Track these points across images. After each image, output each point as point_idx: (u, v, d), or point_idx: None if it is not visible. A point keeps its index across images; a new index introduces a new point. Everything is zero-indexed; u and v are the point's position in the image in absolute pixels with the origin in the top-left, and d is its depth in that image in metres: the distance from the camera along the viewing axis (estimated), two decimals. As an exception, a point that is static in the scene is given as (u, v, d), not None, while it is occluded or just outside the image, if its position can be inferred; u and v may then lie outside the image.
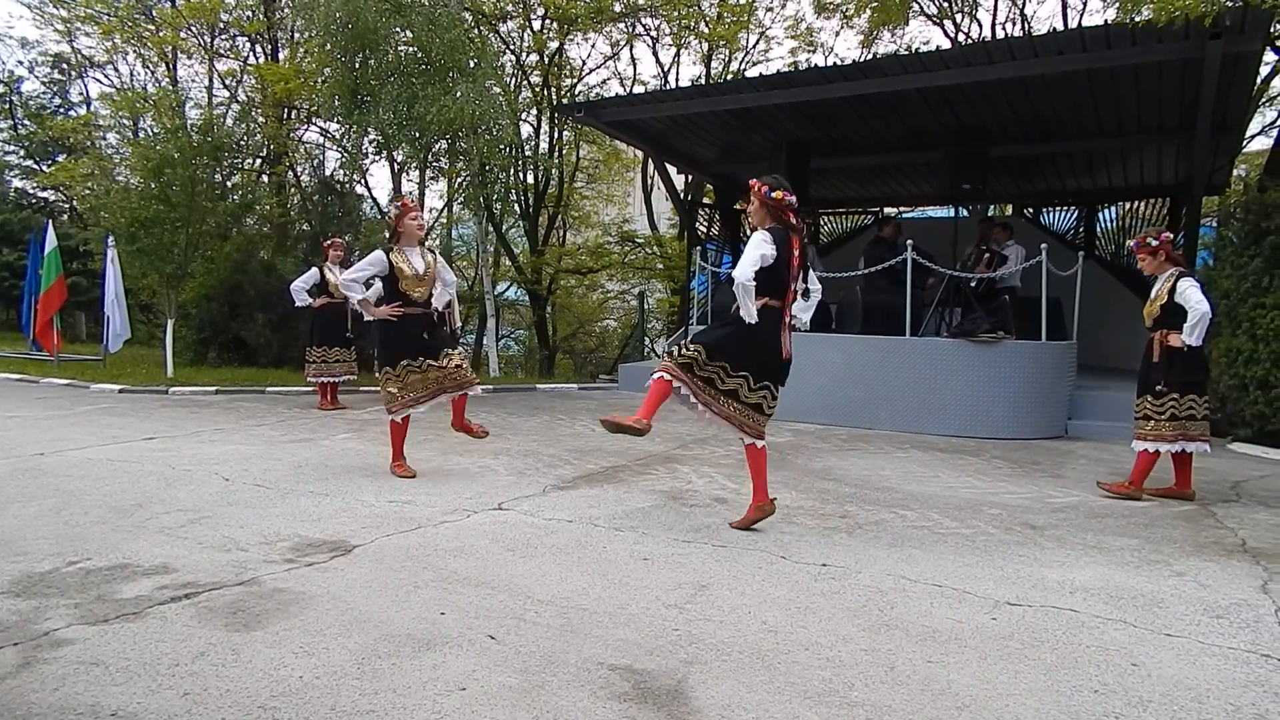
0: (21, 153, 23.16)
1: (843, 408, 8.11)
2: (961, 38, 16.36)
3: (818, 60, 17.46)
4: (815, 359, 8.29)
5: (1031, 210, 13.82)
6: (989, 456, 6.64)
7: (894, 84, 8.38)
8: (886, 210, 15.06)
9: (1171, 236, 5.39)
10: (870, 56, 15.95)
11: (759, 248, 3.99)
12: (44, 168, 21.63)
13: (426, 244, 5.60)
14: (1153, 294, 5.20)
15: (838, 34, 23.00)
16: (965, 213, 12.48)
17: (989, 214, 13.74)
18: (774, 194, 4.05)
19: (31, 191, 22.58)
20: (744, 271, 3.94)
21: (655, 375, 4.16)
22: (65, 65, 22.36)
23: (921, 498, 5.11)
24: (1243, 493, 5.50)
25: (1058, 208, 13.62)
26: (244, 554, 3.62)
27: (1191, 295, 4.91)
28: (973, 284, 8.62)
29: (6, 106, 23.21)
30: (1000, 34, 16.06)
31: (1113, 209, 13.24)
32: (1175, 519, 4.73)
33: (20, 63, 24.30)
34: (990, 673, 2.64)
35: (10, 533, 3.83)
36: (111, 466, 5.38)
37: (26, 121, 22.82)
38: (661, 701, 2.39)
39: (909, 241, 8.07)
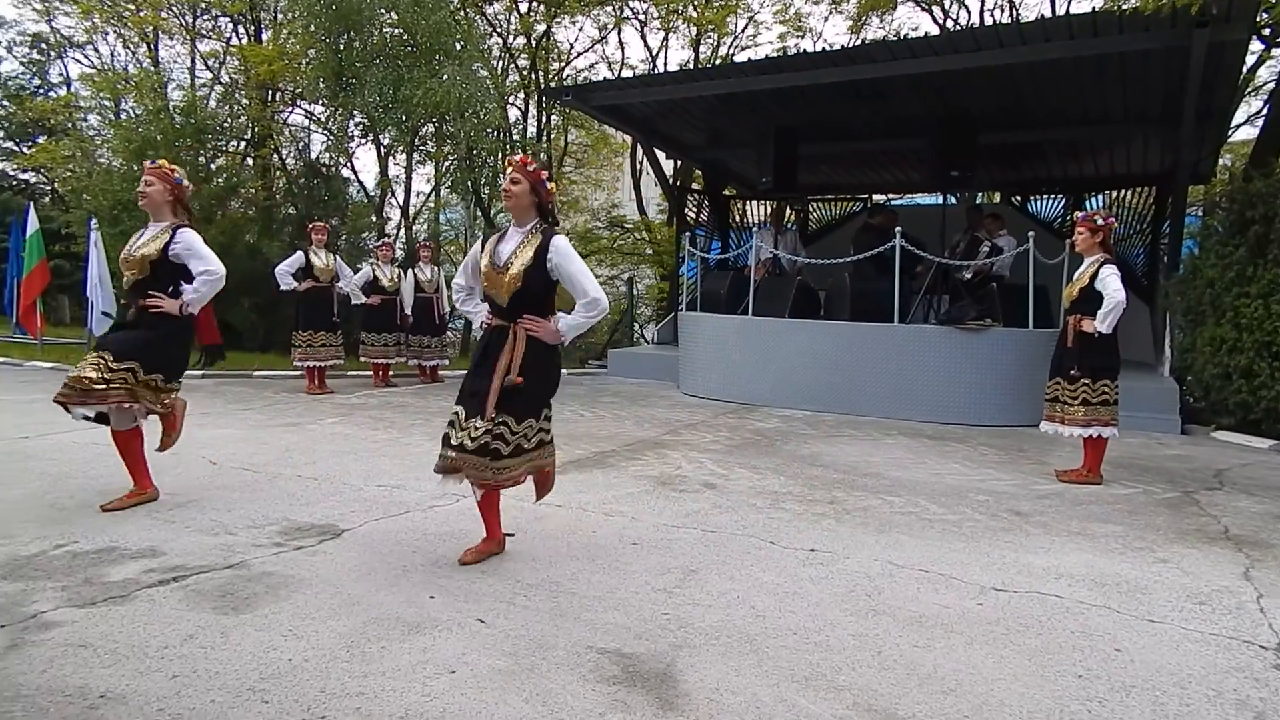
0: (1, 134, 22.77)
1: (831, 394, 8.14)
2: (950, 24, 16.35)
3: (806, 46, 17.41)
4: (804, 346, 8.32)
5: (1019, 198, 13.86)
6: (976, 444, 6.68)
7: (882, 70, 8.35)
8: (875, 197, 15.07)
9: (1115, 224, 5.44)
10: (859, 42, 15.92)
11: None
12: (24, 149, 21.28)
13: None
14: (1075, 275, 5.28)
15: (827, 19, 23.00)
16: (953, 200, 12.53)
17: (977, 202, 13.81)
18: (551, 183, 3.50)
19: (11, 174, 22.22)
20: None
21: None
22: (44, 45, 21.94)
23: (909, 484, 5.14)
24: (1225, 480, 5.57)
25: (1045, 196, 13.67)
26: (232, 538, 3.61)
27: (1110, 282, 4.97)
28: (968, 276, 8.64)
29: (-15, 87, 22.79)
30: (989, 20, 16.05)
31: (1099, 197, 13.30)
32: (1159, 506, 4.78)
33: (-1, 42, 23.81)
34: (976, 657, 2.67)
35: (-6, 517, 3.80)
36: (97, 450, 5.33)
37: (5, 103, 22.40)
38: (650, 684, 2.41)
39: (898, 229, 8.08)
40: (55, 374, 9.58)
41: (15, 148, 22.06)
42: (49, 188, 20.95)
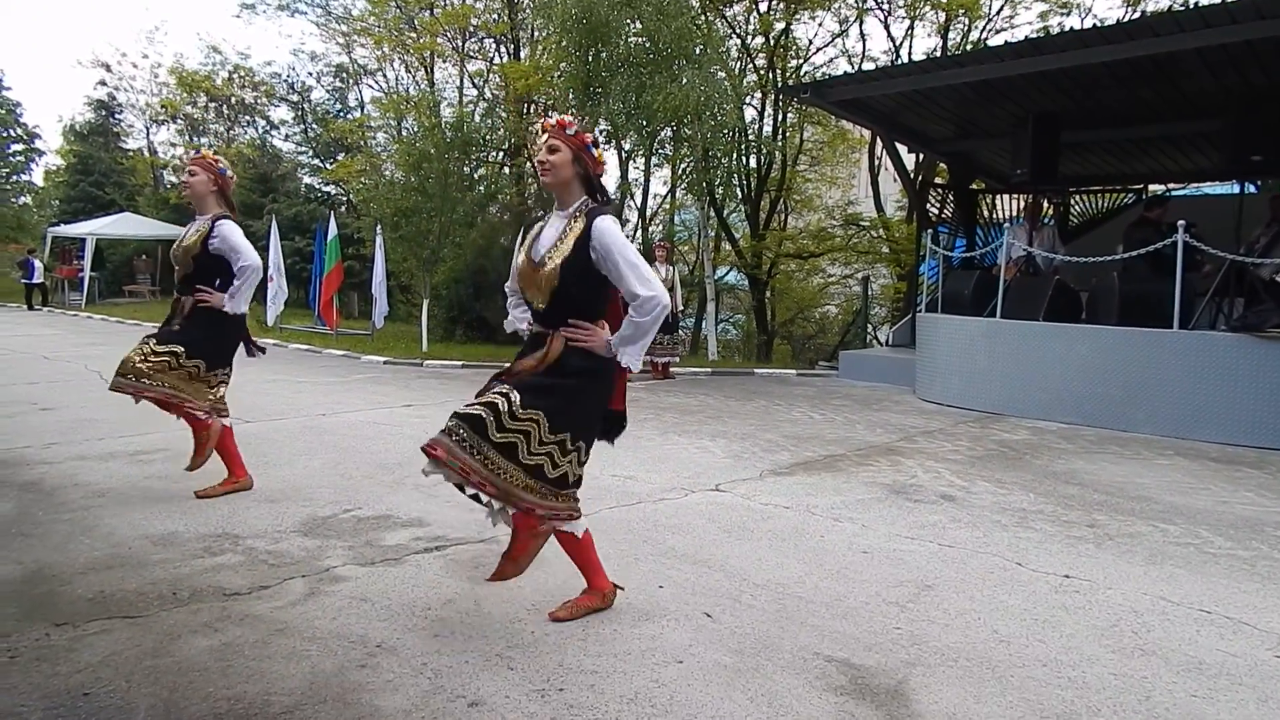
0: (310, 152, 26.61)
1: (1091, 406, 7.36)
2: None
3: (1072, 23, 15.83)
4: (1062, 352, 7.60)
5: (1344, 184, 11.69)
6: (1275, 470, 5.75)
7: (1167, 44, 7.39)
8: (1152, 187, 13.40)
9: None
10: (1136, 15, 14.20)
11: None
12: (327, 165, 24.69)
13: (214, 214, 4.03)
14: None
15: (1098, -8, 20.66)
16: (1253, 189, 10.86)
17: (1285, 189, 11.82)
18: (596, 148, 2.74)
19: (317, 186, 25.86)
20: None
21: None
22: (344, 74, 25.33)
23: (1187, 511, 4.53)
24: None
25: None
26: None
27: None
28: (1273, 276, 7.44)
29: (300, 113, 26.75)
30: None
31: None
32: None
33: (310, 74, 27.91)
34: (1272, 718, 2.30)
35: (301, 481, 4.45)
36: (377, 429, 6.07)
37: (314, 125, 26.15)
38: (880, 700, 2.32)
39: (1181, 222, 7.14)
40: (346, 360, 11.03)
41: (321, 164, 25.64)
42: (345, 199, 24.10)
